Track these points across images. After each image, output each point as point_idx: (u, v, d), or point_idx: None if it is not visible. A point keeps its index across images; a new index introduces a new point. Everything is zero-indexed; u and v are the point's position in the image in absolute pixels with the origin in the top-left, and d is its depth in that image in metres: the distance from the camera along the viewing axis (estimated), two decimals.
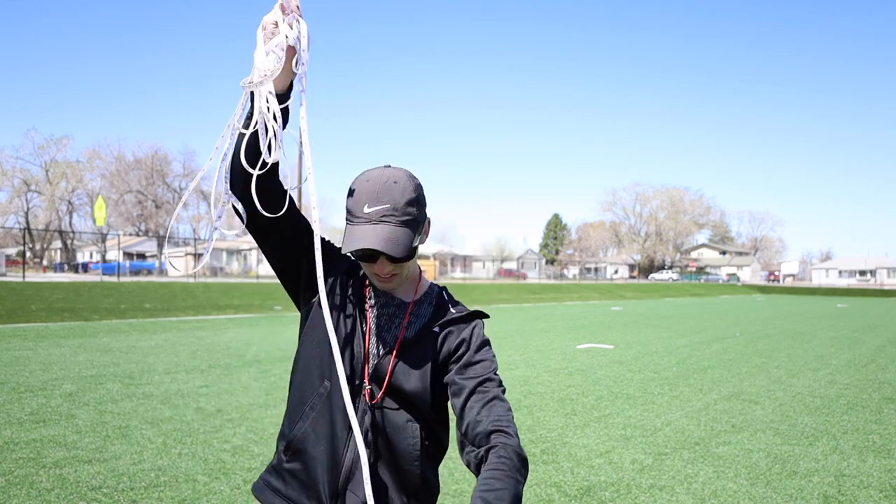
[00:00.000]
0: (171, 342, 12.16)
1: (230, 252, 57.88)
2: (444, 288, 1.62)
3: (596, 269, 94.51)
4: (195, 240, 45.47)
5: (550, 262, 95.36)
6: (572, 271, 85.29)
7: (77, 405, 6.55)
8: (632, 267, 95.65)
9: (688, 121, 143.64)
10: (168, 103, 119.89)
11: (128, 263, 44.07)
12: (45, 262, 57.79)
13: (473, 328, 1.52)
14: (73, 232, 55.46)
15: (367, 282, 1.54)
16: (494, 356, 1.50)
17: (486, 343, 1.51)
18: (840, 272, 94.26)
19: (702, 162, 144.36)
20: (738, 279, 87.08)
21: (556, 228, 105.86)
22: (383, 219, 1.37)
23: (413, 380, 1.44)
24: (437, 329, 1.49)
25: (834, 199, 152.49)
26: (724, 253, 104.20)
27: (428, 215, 1.49)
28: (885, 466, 5.10)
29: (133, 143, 71.07)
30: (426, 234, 1.49)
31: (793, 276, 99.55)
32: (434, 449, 1.51)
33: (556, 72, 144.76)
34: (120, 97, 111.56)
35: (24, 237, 33.05)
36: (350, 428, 1.41)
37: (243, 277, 42.12)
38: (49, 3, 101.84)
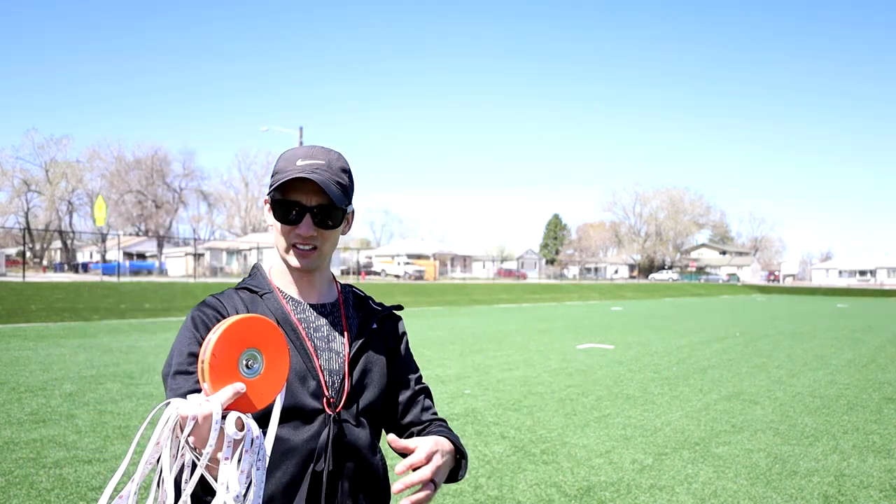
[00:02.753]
0: (171, 342, 12.14)
1: (230, 252, 57.88)
2: (351, 285, 1.57)
3: (596, 269, 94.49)
4: (195, 240, 45.44)
5: (550, 262, 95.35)
6: (572, 271, 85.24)
7: (77, 405, 6.55)
8: (632, 267, 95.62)
9: (688, 121, 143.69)
10: (168, 103, 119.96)
11: (128, 263, 44.07)
12: (45, 262, 57.80)
13: (401, 322, 1.54)
14: (73, 232, 55.47)
15: (282, 303, 1.38)
16: None
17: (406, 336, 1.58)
18: (840, 272, 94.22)
19: (702, 162, 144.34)
20: (738, 279, 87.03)
21: (556, 228, 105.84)
22: (316, 172, 1.29)
23: (372, 383, 1.39)
24: (375, 325, 1.45)
25: (834, 199, 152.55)
26: (724, 253, 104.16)
27: (353, 207, 1.41)
28: (885, 466, 5.10)
29: (133, 143, 71.01)
30: (349, 223, 1.41)
31: (793, 276, 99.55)
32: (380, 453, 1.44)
33: (556, 72, 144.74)
34: (120, 97, 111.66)
35: (24, 237, 33.06)
36: (310, 458, 1.29)
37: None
38: (49, 3, 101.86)
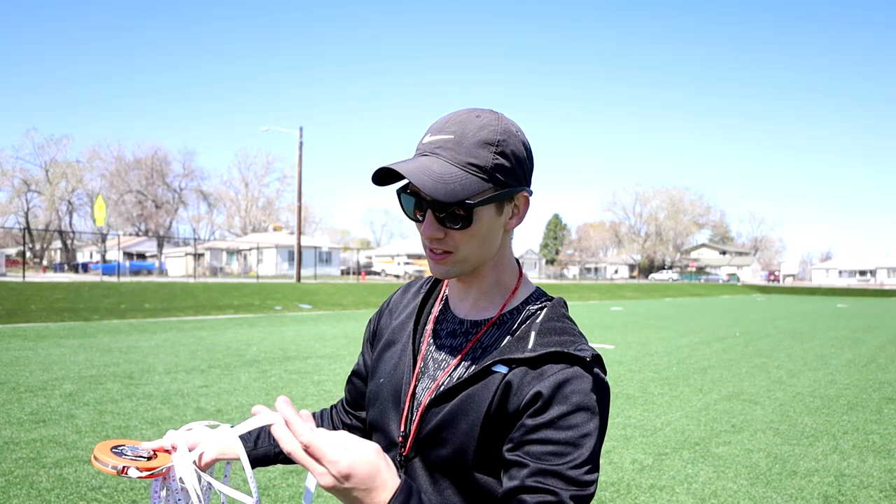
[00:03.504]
0: (171, 342, 12.16)
1: (230, 252, 57.86)
2: (559, 301, 1.10)
3: (596, 269, 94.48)
4: (195, 240, 45.44)
5: (550, 262, 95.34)
6: (572, 271, 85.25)
7: (77, 405, 6.55)
8: (632, 267, 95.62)
9: (688, 121, 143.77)
10: (168, 103, 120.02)
11: (128, 263, 44.06)
12: (45, 262, 57.83)
13: (562, 380, 0.95)
14: (73, 232, 55.46)
15: (440, 296, 1.18)
16: (588, 434, 0.94)
17: (578, 409, 0.94)
18: (840, 272, 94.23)
19: (702, 162, 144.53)
20: (738, 279, 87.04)
21: (556, 228, 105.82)
22: (437, 150, 0.96)
23: (450, 440, 1.01)
24: (499, 369, 0.99)
25: (834, 199, 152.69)
26: (724, 253, 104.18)
27: (529, 191, 1.05)
28: (885, 466, 5.10)
29: (133, 143, 71.28)
30: (518, 214, 1.05)
31: (793, 276, 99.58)
32: None
33: (556, 72, 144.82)
34: (120, 97, 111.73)
35: (24, 237, 32.98)
36: None
37: (243, 277, 42.11)
38: (49, 3, 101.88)
